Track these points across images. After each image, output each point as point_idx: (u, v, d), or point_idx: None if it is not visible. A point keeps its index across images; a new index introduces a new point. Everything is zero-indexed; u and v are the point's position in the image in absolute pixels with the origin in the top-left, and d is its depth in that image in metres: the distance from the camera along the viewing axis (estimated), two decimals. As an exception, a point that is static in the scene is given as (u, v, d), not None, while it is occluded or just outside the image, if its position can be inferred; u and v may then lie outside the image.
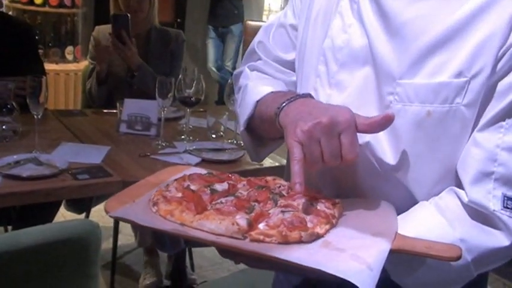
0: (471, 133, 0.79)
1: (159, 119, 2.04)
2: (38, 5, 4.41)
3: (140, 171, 1.70)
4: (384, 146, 0.82)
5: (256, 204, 0.78)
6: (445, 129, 0.78)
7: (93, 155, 1.78)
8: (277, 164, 1.94)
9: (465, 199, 0.78)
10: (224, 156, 1.90)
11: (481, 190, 0.76)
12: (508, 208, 0.75)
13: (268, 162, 1.95)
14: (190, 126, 2.16)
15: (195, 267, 2.81)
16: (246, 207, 0.76)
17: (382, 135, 0.81)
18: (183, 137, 2.07)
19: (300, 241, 0.71)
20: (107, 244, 2.72)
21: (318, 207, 0.79)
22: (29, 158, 1.65)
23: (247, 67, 1.09)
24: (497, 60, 0.75)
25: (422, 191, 0.83)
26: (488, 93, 0.77)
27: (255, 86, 0.99)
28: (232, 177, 0.90)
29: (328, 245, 0.71)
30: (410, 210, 0.83)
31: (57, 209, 2.23)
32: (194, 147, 1.92)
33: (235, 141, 2.08)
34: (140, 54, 2.51)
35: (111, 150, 1.87)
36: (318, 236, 0.73)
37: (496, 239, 0.76)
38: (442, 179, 0.82)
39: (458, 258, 0.69)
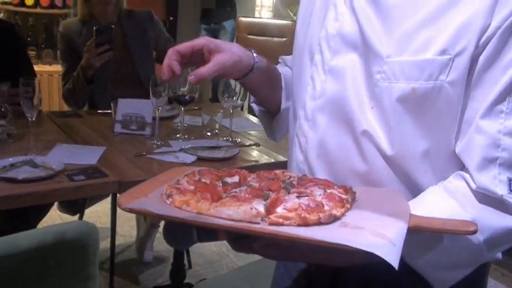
0: (460, 113, 0.81)
1: (154, 118, 2.03)
2: (29, 6, 4.39)
3: (136, 171, 1.70)
4: (375, 126, 0.85)
5: (271, 192, 0.79)
6: (430, 106, 0.81)
7: (89, 155, 1.78)
8: (272, 160, 1.95)
9: (473, 185, 0.79)
10: (220, 154, 1.90)
11: (487, 176, 0.78)
12: None
13: (264, 158, 1.96)
14: (185, 125, 2.16)
15: (193, 265, 2.82)
16: (261, 195, 0.77)
17: (371, 114, 0.85)
18: (178, 135, 2.07)
19: (318, 223, 0.71)
20: (104, 244, 2.72)
21: (332, 193, 0.80)
22: (25, 160, 1.64)
23: None
24: (479, 44, 0.77)
25: (415, 170, 0.85)
26: (474, 77, 0.79)
27: None
28: (241, 171, 0.91)
29: (347, 225, 0.72)
30: (420, 195, 0.85)
31: (45, 214, 2.20)
32: (189, 145, 1.92)
33: (230, 139, 2.08)
34: (119, 44, 2.52)
35: (106, 150, 1.86)
36: (336, 218, 0.73)
37: (508, 220, 0.78)
38: (432, 157, 0.84)
39: (475, 232, 0.70)
